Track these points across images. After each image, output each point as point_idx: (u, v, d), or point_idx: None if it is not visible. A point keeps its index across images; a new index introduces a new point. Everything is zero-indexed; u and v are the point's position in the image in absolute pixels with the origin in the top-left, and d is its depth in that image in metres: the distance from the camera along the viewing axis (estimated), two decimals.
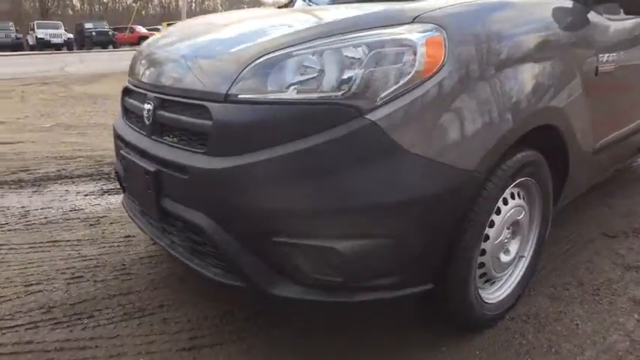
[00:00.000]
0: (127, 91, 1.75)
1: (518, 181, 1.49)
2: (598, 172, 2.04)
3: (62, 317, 1.60)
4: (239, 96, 1.24)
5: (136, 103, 1.63)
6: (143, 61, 1.69)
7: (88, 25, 26.27)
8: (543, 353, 1.46)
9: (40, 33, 23.18)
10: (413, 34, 1.19)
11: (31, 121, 4.86)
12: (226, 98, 1.25)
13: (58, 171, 3.09)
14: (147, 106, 1.50)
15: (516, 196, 1.53)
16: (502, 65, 1.30)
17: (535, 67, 1.40)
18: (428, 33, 1.20)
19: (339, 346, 1.49)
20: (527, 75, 1.37)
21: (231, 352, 1.46)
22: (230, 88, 1.25)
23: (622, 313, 1.67)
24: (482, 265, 1.48)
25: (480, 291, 1.53)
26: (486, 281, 1.55)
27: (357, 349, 1.48)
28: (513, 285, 1.66)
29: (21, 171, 3.05)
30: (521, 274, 1.69)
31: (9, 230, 2.19)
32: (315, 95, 1.18)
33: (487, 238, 1.45)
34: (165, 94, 1.44)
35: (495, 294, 1.60)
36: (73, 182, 2.90)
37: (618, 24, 1.80)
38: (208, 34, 1.58)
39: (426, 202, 1.20)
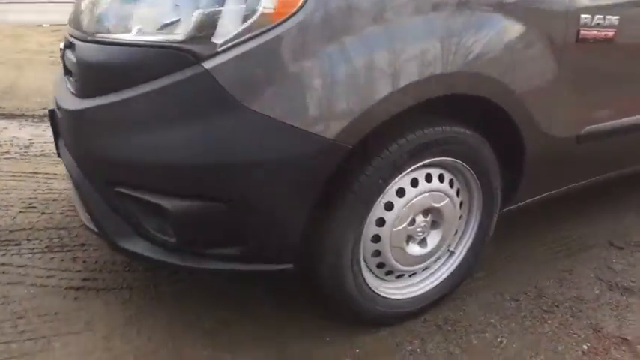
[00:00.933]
0: None
1: (432, 161, 1.24)
2: (590, 166, 1.64)
3: None
4: (96, 35, 1.17)
5: None
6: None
7: None
8: None
9: None
10: None
11: None
12: (88, 37, 1.19)
13: None
14: (61, 45, 1.50)
15: (436, 179, 1.28)
16: (388, 15, 1.04)
17: (451, 20, 1.11)
18: None
19: (214, 315, 1.39)
20: (434, 29, 1.09)
21: (111, 298, 1.45)
22: (93, 27, 1.19)
23: (568, 340, 1.36)
24: (378, 253, 1.28)
25: (379, 283, 1.34)
26: (389, 273, 1.34)
27: (232, 320, 1.37)
28: (436, 282, 1.43)
29: None
30: (449, 271, 1.44)
31: (6, 158, 2.39)
32: (156, 38, 1.06)
33: (383, 222, 1.24)
34: (70, 35, 1.42)
35: (406, 290, 1.39)
36: None
37: None
38: None
39: (265, 168, 1.03)
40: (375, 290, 1.31)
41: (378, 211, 1.22)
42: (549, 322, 1.43)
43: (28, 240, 1.74)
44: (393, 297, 1.36)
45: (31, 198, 2.02)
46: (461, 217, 1.40)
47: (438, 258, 1.42)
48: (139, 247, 1.20)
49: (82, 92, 1.19)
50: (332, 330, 1.35)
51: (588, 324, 1.42)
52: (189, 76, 1.02)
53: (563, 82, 1.34)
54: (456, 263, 1.44)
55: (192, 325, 1.36)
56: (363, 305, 1.29)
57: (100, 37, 1.15)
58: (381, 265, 1.31)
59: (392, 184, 1.20)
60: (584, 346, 1.34)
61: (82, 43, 1.20)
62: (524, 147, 1.35)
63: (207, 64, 1.01)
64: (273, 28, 1.00)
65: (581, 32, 1.31)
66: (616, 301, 1.52)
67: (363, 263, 1.28)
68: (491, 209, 1.42)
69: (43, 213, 1.91)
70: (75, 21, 1.37)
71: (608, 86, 1.47)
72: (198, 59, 1.01)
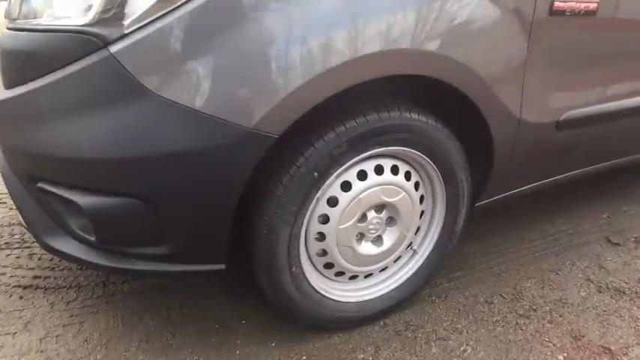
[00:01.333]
0: None
1: (381, 151, 1.11)
2: (573, 156, 1.46)
3: None
4: (16, 21, 1.10)
5: None
6: None
7: None
8: None
9: None
10: None
11: None
12: (9, 25, 1.12)
13: None
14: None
15: (388, 171, 1.16)
16: None
17: None
18: None
19: (157, 317, 1.31)
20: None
21: (58, 298, 1.39)
22: (15, 13, 1.12)
23: (542, 350, 1.22)
24: (324, 252, 1.17)
25: (328, 284, 1.23)
26: (340, 274, 1.23)
27: (174, 322, 1.29)
28: (396, 284, 1.31)
29: None
30: (411, 272, 1.32)
31: None
32: (66, 22, 0.98)
33: (327, 219, 1.13)
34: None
35: (360, 292, 1.28)
36: None
37: None
38: None
39: (179, 161, 0.93)
40: (323, 292, 1.21)
41: (319, 206, 1.11)
42: (523, 328, 1.29)
43: None
44: (345, 300, 1.25)
45: (2, 194, 2.00)
46: (423, 213, 1.28)
47: (399, 258, 1.30)
48: (67, 246, 1.13)
49: (5, 82, 1.12)
50: (281, 334, 1.26)
51: (568, 331, 1.28)
52: (95, 62, 0.93)
53: (536, 62, 1.19)
54: (419, 263, 1.32)
55: (134, 327, 1.28)
56: (307, 308, 1.19)
57: (18, 23, 1.09)
58: (329, 266, 1.20)
59: (333, 176, 1.08)
60: (560, 357, 1.20)
61: (5, 31, 1.14)
62: (491, 135, 1.21)
63: (113, 48, 0.92)
64: (183, 4, 0.90)
65: (556, 4, 1.16)
66: (604, 305, 1.37)
67: (307, 263, 1.18)
68: (458, 204, 1.29)
69: (11, 209, 1.89)
70: (6, 9, 1.32)
71: (591, 66, 1.30)
72: (105, 43, 0.93)
